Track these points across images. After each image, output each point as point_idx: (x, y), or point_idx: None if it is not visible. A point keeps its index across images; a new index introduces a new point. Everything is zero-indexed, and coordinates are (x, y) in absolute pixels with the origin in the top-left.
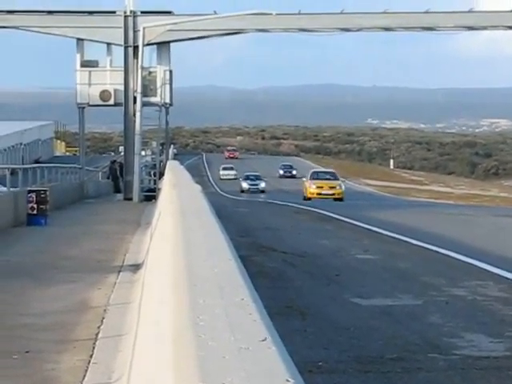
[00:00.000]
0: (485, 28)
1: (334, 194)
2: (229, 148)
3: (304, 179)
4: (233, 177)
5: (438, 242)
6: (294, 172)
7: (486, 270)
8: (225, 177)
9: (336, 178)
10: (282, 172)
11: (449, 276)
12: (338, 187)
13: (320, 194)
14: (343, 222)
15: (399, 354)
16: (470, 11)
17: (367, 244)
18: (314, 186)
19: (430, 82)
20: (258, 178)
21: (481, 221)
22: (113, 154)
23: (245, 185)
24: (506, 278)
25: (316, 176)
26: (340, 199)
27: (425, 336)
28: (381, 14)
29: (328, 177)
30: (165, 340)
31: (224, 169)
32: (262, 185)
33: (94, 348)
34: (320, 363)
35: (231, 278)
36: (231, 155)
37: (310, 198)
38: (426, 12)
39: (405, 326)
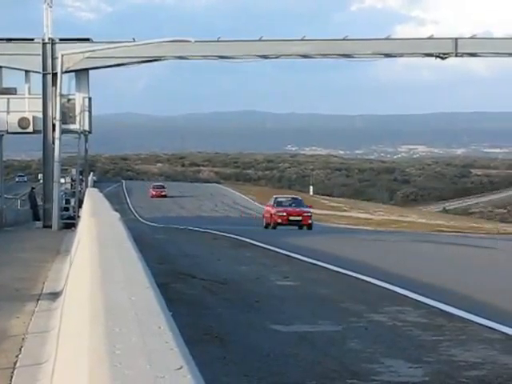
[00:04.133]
0: (401, 55)
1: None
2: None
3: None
4: None
5: (358, 268)
6: None
7: (405, 295)
8: None
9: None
10: None
11: (368, 302)
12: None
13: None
14: (262, 249)
15: (318, 381)
16: (387, 38)
17: (287, 270)
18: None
19: (348, 109)
20: None
21: (399, 246)
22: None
23: None
24: (425, 304)
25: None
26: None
27: (344, 362)
28: (299, 41)
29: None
30: (82, 369)
31: None
32: None
33: (12, 377)
34: None
35: (148, 306)
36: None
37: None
38: (344, 39)
39: (324, 352)
